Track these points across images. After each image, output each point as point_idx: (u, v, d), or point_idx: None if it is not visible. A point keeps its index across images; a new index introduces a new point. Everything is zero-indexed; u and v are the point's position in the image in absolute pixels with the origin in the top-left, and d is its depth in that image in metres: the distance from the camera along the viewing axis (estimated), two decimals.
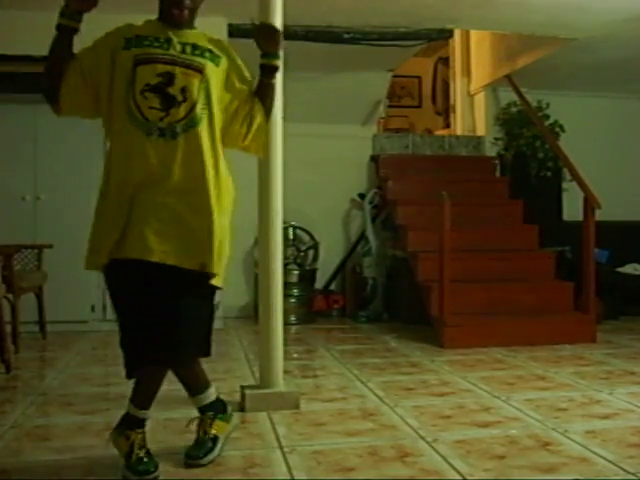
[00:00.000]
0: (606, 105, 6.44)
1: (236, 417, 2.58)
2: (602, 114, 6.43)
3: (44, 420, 2.84)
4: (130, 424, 2.28)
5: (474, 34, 6.70)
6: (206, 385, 2.45)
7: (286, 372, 3.15)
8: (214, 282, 2.29)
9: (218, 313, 5.32)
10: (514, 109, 6.24)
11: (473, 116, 6.77)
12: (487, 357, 4.15)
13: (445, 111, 7.81)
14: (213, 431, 2.39)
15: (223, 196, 2.35)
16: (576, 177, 5.04)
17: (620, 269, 5.82)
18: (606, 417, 2.85)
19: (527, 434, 2.60)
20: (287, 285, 4.86)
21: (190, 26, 2.25)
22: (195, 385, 2.44)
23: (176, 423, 2.76)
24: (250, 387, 3.06)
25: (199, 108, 2.15)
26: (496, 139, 6.38)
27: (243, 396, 2.97)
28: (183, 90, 2.13)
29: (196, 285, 2.22)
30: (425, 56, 7.78)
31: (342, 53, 4.96)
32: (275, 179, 3.02)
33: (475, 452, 2.39)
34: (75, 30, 2.22)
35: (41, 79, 2.20)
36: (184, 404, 3.05)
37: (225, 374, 3.70)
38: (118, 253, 2.13)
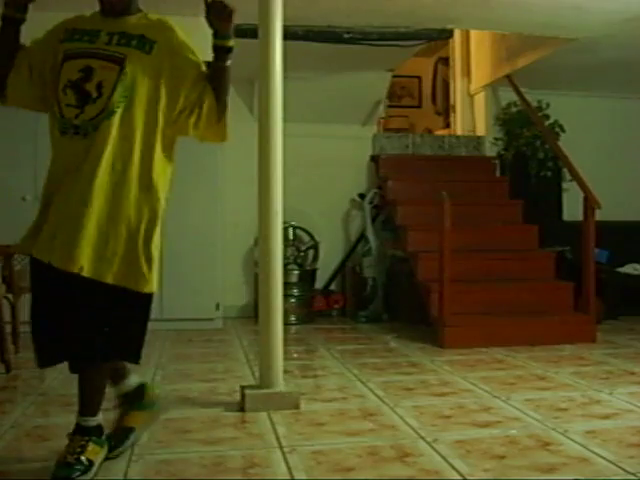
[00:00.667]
0: (606, 105, 6.44)
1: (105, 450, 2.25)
2: (602, 114, 6.43)
3: (44, 420, 2.84)
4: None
5: (474, 34, 6.69)
6: (98, 408, 2.22)
7: (286, 372, 3.15)
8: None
9: (218, 313, 5.34)
10: (514, 109, 6.24)
11: (473, 116, 6.77)
12: (487, 357, 4.15)
13: (445, 111, 7.81)
14: (83, 457, 2.12)
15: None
16: (576, 177, 5.04)
17: (620, 269, 5.81)
18: (606, 417, 2.85)
19: (527, 434, 2.60)
20: (287, 285, 4.86)
21: (129, 12, 2.18)
22: (89, 401, 2.20)
23: (176, 423, 2.76)
24: (250, 387, 3.06)
25: (113, 103, 2.04)
26: (496, 139, 6.37)
27: (243, 396, 2.97)
28: (99, 85, 2.04)
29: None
30: (425, 56, 7.77)
31: (342, 53, 4.95)
32: (275, 179, 3.02)
33: (475, 452, 2.39)
34: (21, 21, 2.15)
35: None
36: (184, 404, 3.06)
37: (225, 374, 3.70)
38: (33, 249, 2.12)
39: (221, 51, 2.20)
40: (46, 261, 2.05)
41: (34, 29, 4.62)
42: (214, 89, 2.24)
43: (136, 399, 2.43)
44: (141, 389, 2.46)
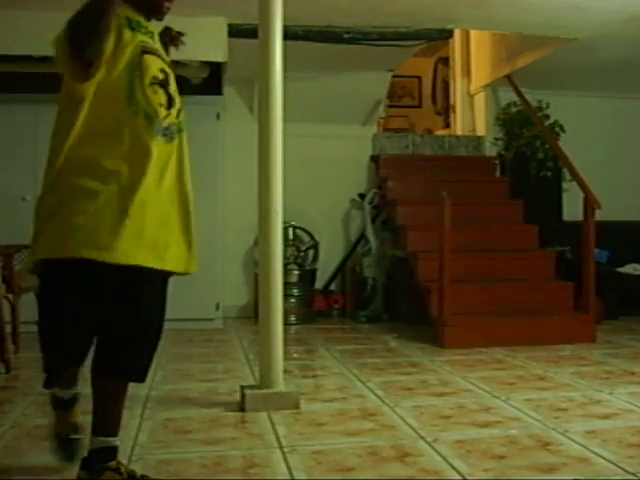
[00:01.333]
0: (606, 105, 6.44)
1: None
2: (602, 114, 6.43)
3: (44, 420, 2.83)
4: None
5: (474, 34, 6.69)
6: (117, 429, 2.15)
7: (286, 372, 3.15)
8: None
9: (218, 313, 5.34)
10: (514, 109, 6.24)
11: (473, 116, 6.77)
12: (487, 357, 4.15)
13: (445, 111, 7.81)
14: None
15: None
16: (576, 177, 5.04)
17: (620, 269, 5.81)
18: (606, 417, 2.85)
19: (527, 434, 2.60)
20: (287, 285, 4.86)
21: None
22: (118, 418, 2.17)
23: (176, 423, 2.77)
24: (250, 387, 3.06)
25: (180, 107, 2.10)
26: (496, 139, 6.37)
27: (243, 396, 2.97)
28: (175, 92, 2.06)
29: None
30: (425, 56, 7.78)
31: (342, 53, 4.95)
32: (275, 179, 3.02)
33: (475, 452, 2.39)
34: None
35: (73, 28, 1.87)
36: (184, 404, 3.06)
37: (225, 374, 3.70)
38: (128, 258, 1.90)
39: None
40: (159, 267, 2.00)
41: (34, 29, 4.62)
42: None
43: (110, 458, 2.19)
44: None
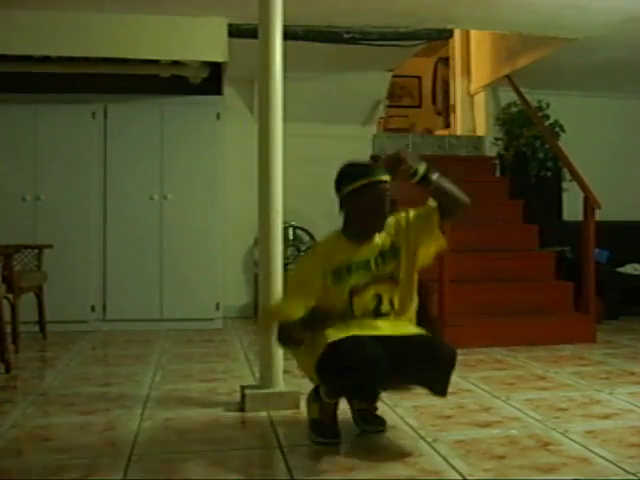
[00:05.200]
0: (606, 105, 6.44)
1: None
2: (602, 114, 6.42)
3: (44, 420, 2.84)
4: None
5: (474, 34, 6.69)
6: None
7: (286, 372, 3.15)
8: None
9: (218, 313, 5.35)
10: (514, 109, 6.24)
11: (473, 116, 6.77)
12: (487, 357, 4.15)
13: (445, 111, 7.81)
14: None
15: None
16: (576, 177, 5.04)
17: (620, 269, 5.81)
18: (606, 417, 2.85)
19: (527, 434, 2.60)
20: None
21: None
22: None
23: (176, 423, 2.76)
24: (250, 387, 3.06)
25: (397, 307, 2.48)
26: (496, 139, 6.37)
27: (243, 396, 2.97)
28: (391, 302, 2.45)
29: None
30: (425, 56, 7.77)
31: (342, 53, 4.95)
32: (275, 179, 3.02)
33: (475, 452, 2.39)
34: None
35: (281, 337, 2.43)
36: (184, 404, 3.06)
37: (225, 374, 3.70)
38: None
39: (422, 181, 2.45)
40: None
41: (34, 29, 4.63)
42: (441, 204, 2.46)
43: None
44: None
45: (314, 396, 2.57)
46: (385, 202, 2.42)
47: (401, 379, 2.41)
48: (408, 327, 2.47)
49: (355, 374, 2.21)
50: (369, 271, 2.43)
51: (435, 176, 2.41)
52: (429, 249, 2.47)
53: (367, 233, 2.46)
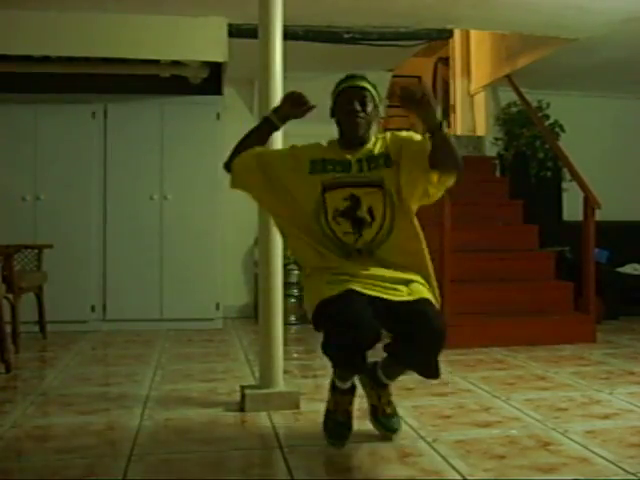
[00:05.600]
0: (606, 105, 6.44)
1: None
2: (602, 114, 6.43)
3: (44, 420, 2.84)
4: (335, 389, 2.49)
5: (474, 34, 6.69)
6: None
7: (286, 372, 3.15)
8: None
9: (218, 313, 5.35)
10: (514, 109, 6.24)
11: (473, 116, 6.77)
12: (487, 357, 4.15)
13: (445, 111, 7.81)
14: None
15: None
16: (576, 177, 5.04)
17: (620, 269, 5.81)
18: (606, 417, 2.85)
19: (527, 434, 2.60)
20: (287, 285, 4.87)
21: (367, 141, 2.39)
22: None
23: (176, 423, 2.77)
24: (250, 387, 3.06)
25: (388, 223, 2.31)
26: (496, 139, 6.38)
27: (243, 396, 2.97)
28: (370, 210, 2.31)
29: None
30: (425, 56, 7.75)
31: (342, 53, 4.95)
32: None
33: (475, 452, 2.39)
34: (277, 128, 2.54)
35: (232, 154, 2.48)
36: (184, 404, 3.06)
37: (225, 374, 3.70)
38: None
39: (433, 135, 2.30)
40: None
41: (34, 29, 4.63)
42: (440, 159, 2.30)
43: None
44: None
45: (331, 386, 2.52)
46: (353, 105, 2.35)
47: (390, 349, 2.35)
48: (403, 287, 2.28)
49: (340, 335, 2.16)
50: (347, 171, 2.34)
51: (446, 129, 2.35)
52: (417, 182, 2.32)
53: (347, 137, 2.40)
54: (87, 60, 4.83)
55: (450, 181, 2.36)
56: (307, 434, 2.62)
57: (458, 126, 6.91)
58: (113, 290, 5.22)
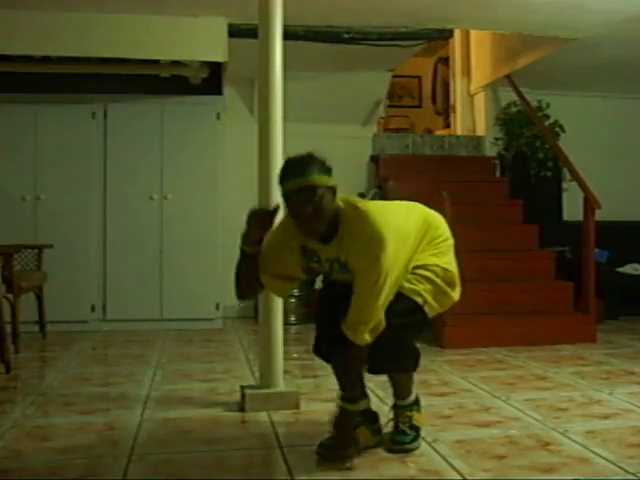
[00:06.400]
0: (606, 105, 6.44)
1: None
2: (602, 114, 6.43)
3: (44, 420, 2.84)
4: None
5: (474, 34, 6.69)
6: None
7: (286, 372, 3.15)
8: None
9: (218, 313, 5.35)
10: (514, 109, 6.24)
11: (473, 116, 6.77)
12: (487, 357, 4.15)
13: (445, 111, 7.81)
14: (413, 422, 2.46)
15: None
16: (576, 177, 5.04)
17: (620, 269, 5.81)
18: (606, 417, 2.85)
19: (527, 434, 2.60)
20: None
21: (334, 237, 2.24)
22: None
23: (176, 423, 2.76)
24: (250, 387, 3.06)
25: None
26: (496, 139, 6.37)
27: (243, 396, 2.97)
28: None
29: None
30: (425, 56, 7.77)
31: (342, 53, 4.96)
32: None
33: (475, 452, 2.39)
34: (258, 252, 2.39)
35: (236, 289, 2.63)
36: (184, 404, 3.06)
37: (225, 374, 3.70)
38: None
39: None
40: None
41: (34, 29, 4.62)
42: None
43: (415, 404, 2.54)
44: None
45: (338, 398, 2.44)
46: (305, 210, 2.15)
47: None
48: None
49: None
50: (330, 273, 2.36)
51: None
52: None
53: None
54: (87, 60, 4.83)
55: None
56: (307, 434, 2.61)
57: (458, 126, 6.91)
58: (113, 290, 5.22)
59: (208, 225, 5.33)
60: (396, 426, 2.47)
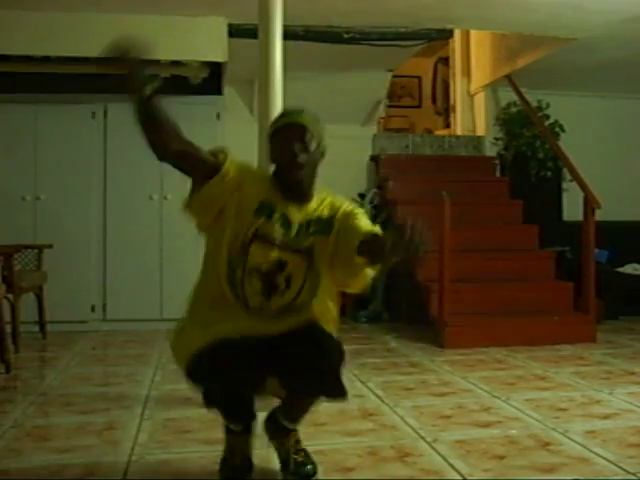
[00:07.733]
0: (606, 105, 6.44)
1: None
2: (602, 114, 6.43)
3: (44, 420, 2.84)
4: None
5: (474, 34, 6.69)
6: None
7: None
8: None
9: None
10: (514, 109, 6.24)
11: (473, 116, 6.77)
12: (487, 357, 4.14)
13: (445, 111, 7.81)
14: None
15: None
16: (576, 177, 5.04)
17: (620, 269, 5.81)
18: (606, 417, 2.85)
19: (527, 434, 2.60)
20: None
21: (310, 195, 2.13)
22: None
23: (176, 423, 2.76)
24: None
25: (302, 297, 2.06)
26: (496, 139, 6.37)
27: None
28: (288, 278, 2.03)
29: None
30: (425, 56, 7.77)
31: (342, 53, 4.96)
32: None
33: (475, 452, 2.39)
34: (152, 96, 2.07)
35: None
36: (184, 404, 3.05)
37: None
38: None
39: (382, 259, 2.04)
40: None
41: (34, 29, 4.62)
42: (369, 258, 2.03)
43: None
44: None
45: (224, 430, 2.23)
46: (293, 146, 2.03)
47: (286, 384, 2.09)
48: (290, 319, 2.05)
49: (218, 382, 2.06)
50: (287, 229, 2.05)
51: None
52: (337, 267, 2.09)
53: (287, 184, 2.08)
54: (87, 60, 4.83)
55: (354, 282, 2.13)
56: (307, 434, 2.61)
57: (458, 126, 6.91)
58: (113, 290, 5.22)
59: None
60: (295, 460, 2.23)
